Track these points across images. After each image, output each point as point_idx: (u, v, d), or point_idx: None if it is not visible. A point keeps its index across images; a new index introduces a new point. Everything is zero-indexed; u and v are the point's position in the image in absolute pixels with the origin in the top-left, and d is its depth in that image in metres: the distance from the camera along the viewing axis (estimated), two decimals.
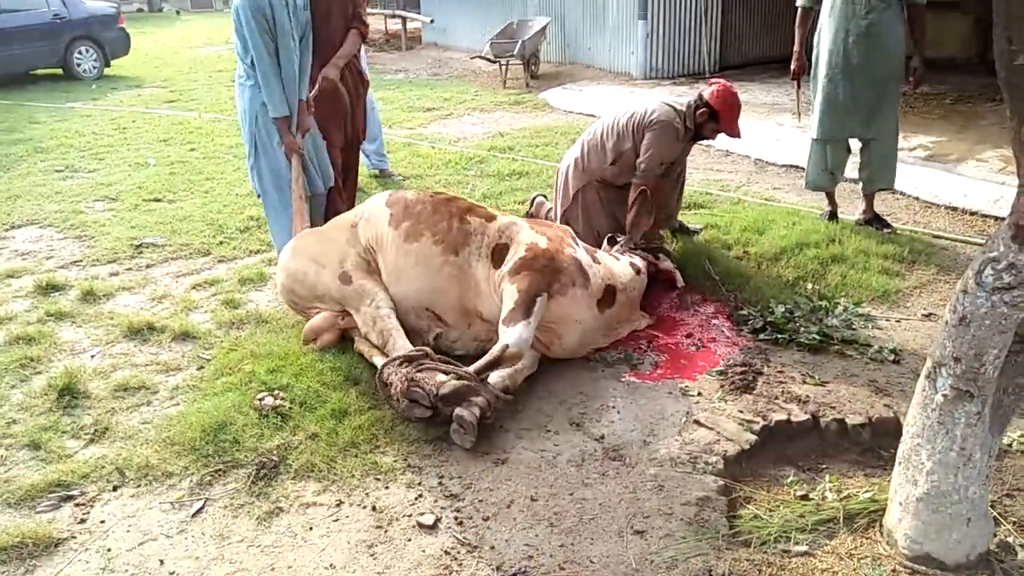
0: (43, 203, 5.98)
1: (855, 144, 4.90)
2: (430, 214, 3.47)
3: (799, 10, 4.95)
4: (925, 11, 4.59)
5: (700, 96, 4.18)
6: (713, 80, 4.29)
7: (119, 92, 11.69)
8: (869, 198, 4.93)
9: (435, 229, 3.42)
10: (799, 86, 5.44)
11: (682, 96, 6.17)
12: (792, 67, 5.11)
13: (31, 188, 6.41)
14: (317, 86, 4.39)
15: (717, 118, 4.11)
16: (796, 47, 5.04)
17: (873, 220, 4.90)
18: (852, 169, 5.04)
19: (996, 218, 5.02)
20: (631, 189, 4.17)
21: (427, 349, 3.18)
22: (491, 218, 3.50)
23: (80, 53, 13.00)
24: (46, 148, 7.89)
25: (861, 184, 4.93)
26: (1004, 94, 2.01)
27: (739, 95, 4.20)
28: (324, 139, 4.51)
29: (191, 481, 2.70)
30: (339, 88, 4.52)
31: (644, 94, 9.55)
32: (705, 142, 5.27)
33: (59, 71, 13.03)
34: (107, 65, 13.40)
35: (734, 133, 4.20)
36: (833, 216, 5.01)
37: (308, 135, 4.20)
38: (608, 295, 3.48)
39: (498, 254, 3.37)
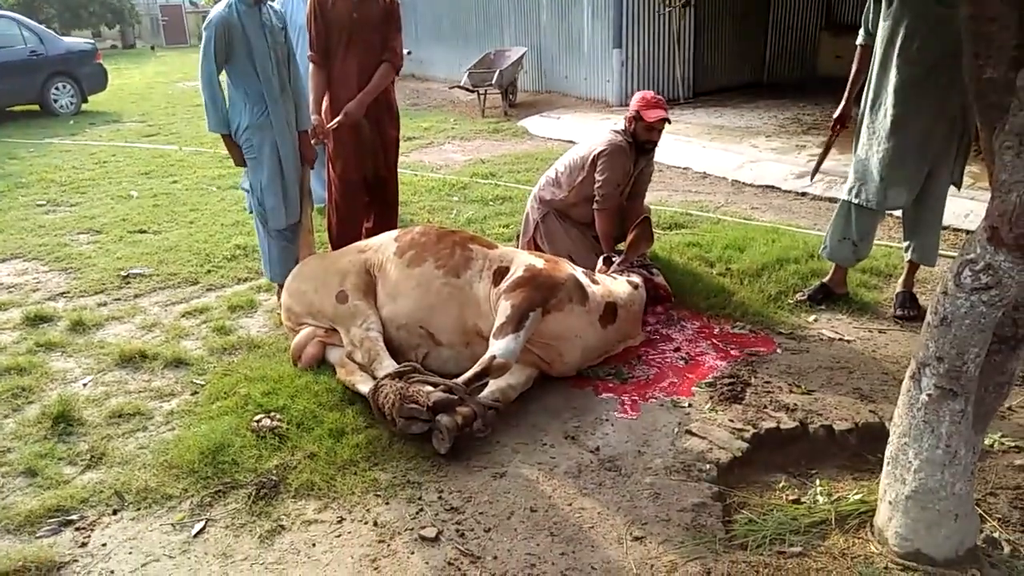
0: (27, 237, 5.97)
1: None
2: (434, 243, 3.63)
3: (858, 48, 4.05)
4: None
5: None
6: None
7: (97, 127, 11.69)
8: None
9: (438, 255, 3.57)
10: (834, 138, 4.30)
11: None
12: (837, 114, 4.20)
13: (13, 222, 6.39)
14: (336, 120, 4.39)
15: (640, 116, 4.39)
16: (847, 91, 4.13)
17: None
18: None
19: (967, 232, 5.17)
20: (596, 215, 4.47)
21: (415, 364, 3.25)
22: (492, 247, 3.66)
23: (57, 89, 12.98)
24: (26, 183, 7.87)
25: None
26: (974, 105, 2.13)
27: (662, 98, 4.52)
28: (341, 176, 4.58)
29: (191, 503, 2.71)
30: (360, 124, 4.48)
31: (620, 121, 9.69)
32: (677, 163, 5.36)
33: (36, 107, 13.01)
34: (84, 101, 13.38)
35: (658, 115, 4.37)
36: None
37: (283, 169, 4.09)
38: (609, 312, 3.56)
39: (499, 276, 3.47)
